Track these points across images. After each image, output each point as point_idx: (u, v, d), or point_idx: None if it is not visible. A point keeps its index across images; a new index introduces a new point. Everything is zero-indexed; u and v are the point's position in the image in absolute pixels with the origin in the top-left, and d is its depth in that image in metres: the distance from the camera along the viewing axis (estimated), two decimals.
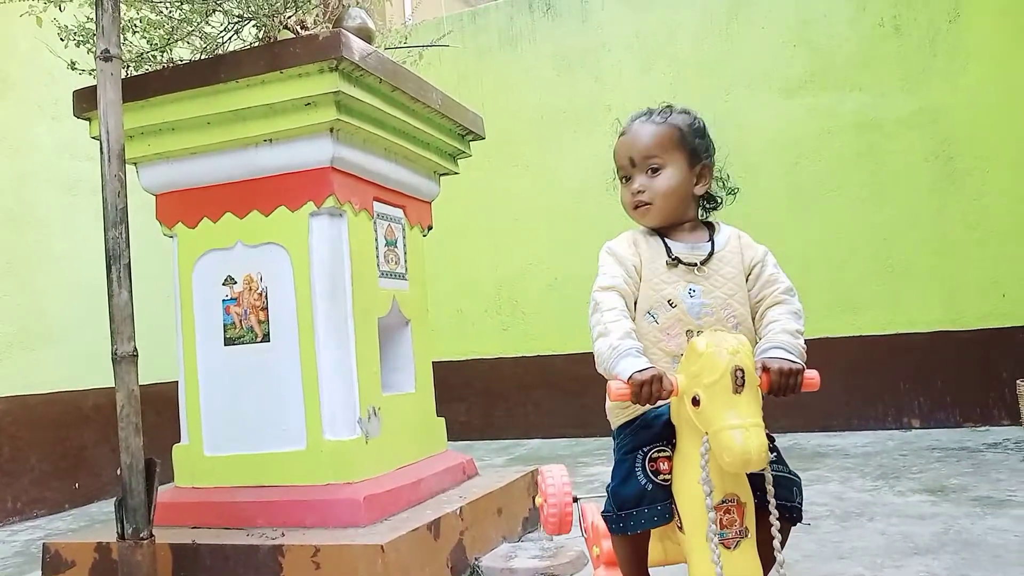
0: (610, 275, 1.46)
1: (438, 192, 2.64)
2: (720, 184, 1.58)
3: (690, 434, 1.28)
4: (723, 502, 1.26)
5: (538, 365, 4.64)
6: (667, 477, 1.35)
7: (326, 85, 1.95)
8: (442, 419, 2.55)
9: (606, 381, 1.42)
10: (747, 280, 1.49)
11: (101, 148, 1.79)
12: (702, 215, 1.57)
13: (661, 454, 1.38)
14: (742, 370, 1.20)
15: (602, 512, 1.45)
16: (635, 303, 1.46)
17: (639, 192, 1.48)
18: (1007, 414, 3.80)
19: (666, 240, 1.49)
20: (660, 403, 1.38)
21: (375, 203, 2.27)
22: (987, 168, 3.96)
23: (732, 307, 1.45)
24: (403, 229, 2.43)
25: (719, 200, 1.58)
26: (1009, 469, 2.89)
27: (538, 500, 1.80)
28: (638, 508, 1.35)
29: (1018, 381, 2.92)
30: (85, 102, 2.15)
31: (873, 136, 4.14)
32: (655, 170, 1.49)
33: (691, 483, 1.27)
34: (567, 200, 4.67)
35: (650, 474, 1.36)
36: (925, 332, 4.00)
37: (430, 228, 2.60)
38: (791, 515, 1.37)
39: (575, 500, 1.77)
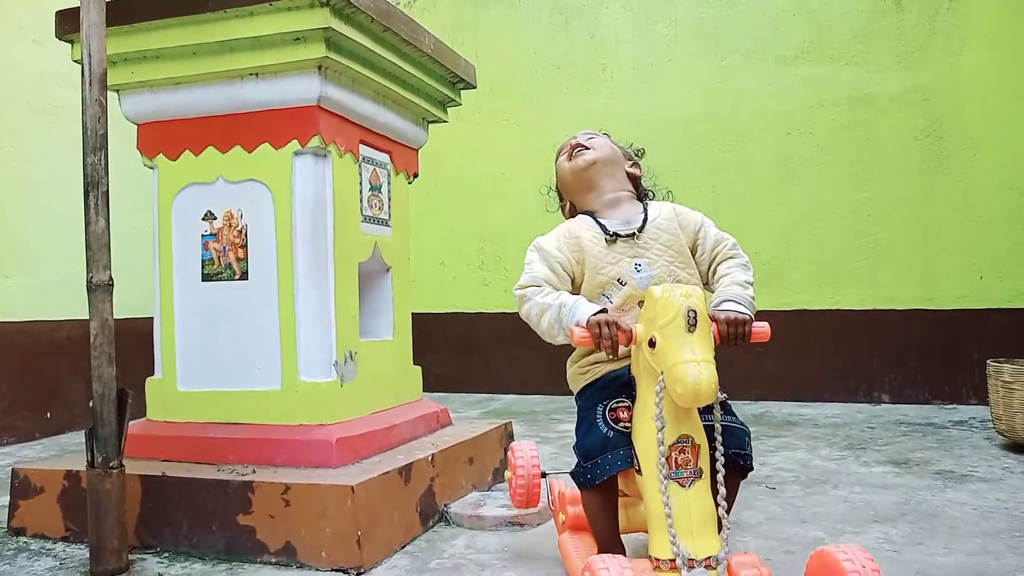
0: (529, 275, 1.56)
1: (426, 139, 2.61)
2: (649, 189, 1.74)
3: (648, 381, 1.35)
4: (677, 442, 1.32)
5: (517, 322, 4.58)
6: (627, 425, 1.42)
7: (315, 20, 1.90)
8: (418, 367, 2.55)
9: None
10: (694, 246, 1.59)
11: (82, 71, 1.75)
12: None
13: (620, 404, 1.45)
14: (694, 311, 1.28)
15: (571, 472, 1.51)
16: (577, 290, 1.56)
17: (578, 144, 1.68)
18: (975, 393, 3.87)
19: (599, 220, 1.58)
20: (621, 361, 1.49)
21: (361, 146, 2.24)
22: (976, 150, 3.97)
23: (676, 274, 1.56)
24: (388, 175, 2.40)
25: (651, 195, 1.71)
26: (972, 446, 2.95)
27: (507, 474, 1.85)
28: (602, 455, 1.41)
29: (988, 361, 2.96)
30: (68, 23, 2.09)
31: (865, 112, 4.13)
32: (592, 139, 1.70)
33: (648, 425, 1.34)
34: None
35: (610, 422, 1.44)
36: (901, 310, 4.05)
37: (416, 176, 2.57)
38: (743, 462, 1.45)
39: (543, 475, 1.81)
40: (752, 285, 1.54)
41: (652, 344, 1.31)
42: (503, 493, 2.26)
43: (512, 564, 1.77)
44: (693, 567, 1.27)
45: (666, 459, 1.31)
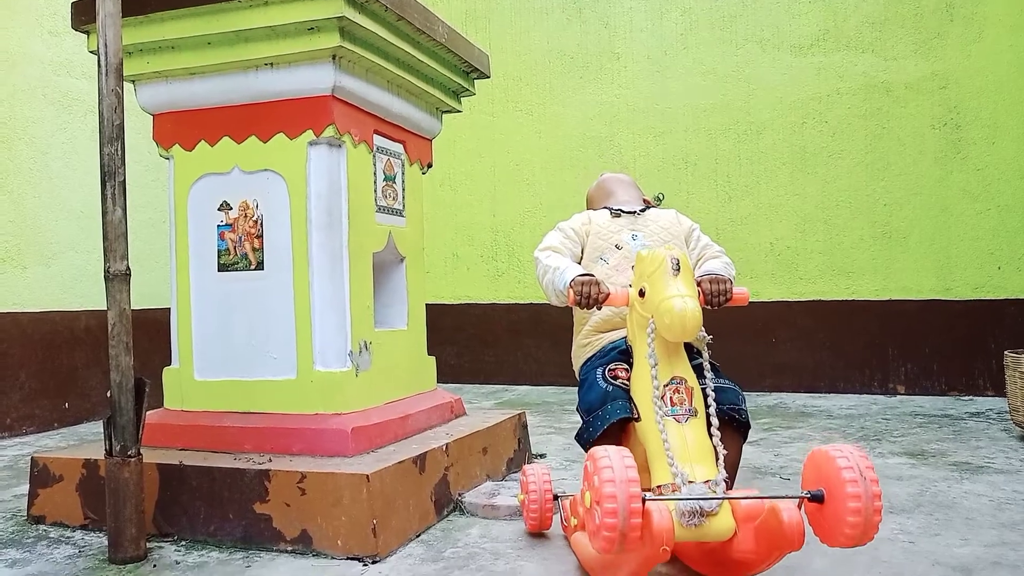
0: (546, 241, 1.77)
1: (440, 129, 2.60)
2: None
3: (642, 336, 1.46)
4: (671, 382, 1.43)
5: (530, 313, 4.65)
6: (625, 382, 1.55)
7: (330, 10, 1.90)
8: (432, 358, 2.56)
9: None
10: (686, 242, 1.80)
11: (99, 62, 1.76)
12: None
13: (619, 366, 1.60)
14: (677, 259, 1.42)
15: (575, 434, 1.62)
16: (581, 255, 1.78)
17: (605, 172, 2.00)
18: (991, 385, 3.84)
19: (609, 207, 1.84)
20: (618, 332, 1.68)
21: (375, 136, 2.24)
22: (994, 139, 3.92)
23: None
24: (402, 165, 2.40)
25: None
26: (989, 438, 2.93)
27: (520, 496, 1.85)
28: (603, 407, 1.54)
29: (1006, 352, 2.94)
30: (84, 14, 2.10)
31: (881, 100, 4.09)
32: None
33: (643, 371, 1.45)
34: (569, 148, 4.63)
35: (609, 379, 1.58)
36: (917, 300, 4.02)
37: (430, 166, 2.57)
38: (740, 416, 1.55)
39: (555, 497, 1.81)
40: (732, 275, 1.71)
41: (642, 294, 1.45)
42: (517, 482, 2.26)
43: (526, 553, 1.77)
44: (692, 485, 1.33)
45: (661, 397, 1.40)
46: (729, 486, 1.43)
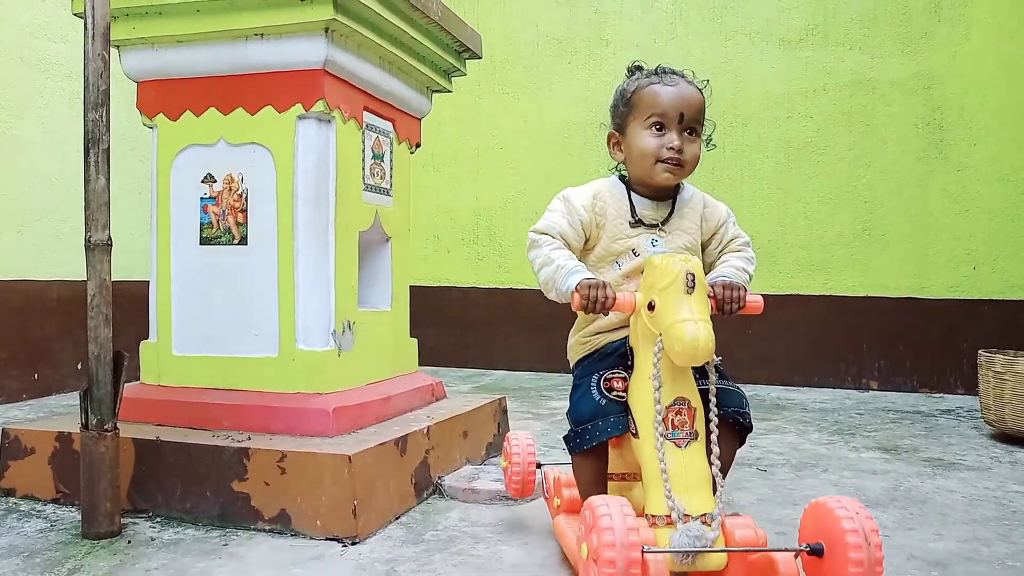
0: (547, 221, 1.54)
1: (429, 109, 2.57)
2: None
3: (646, 346, 1.38)
4: (674, 403, 1.36)
5: (510, 298, 4.64)
6: (621, 394, 1.45)
7: None
8: (415, 340, 2.54)
9: (574, 317, 1.63)
10: (711, 239, 1.61)
11: (85, 25, 1.70)
12: None
13: (615, 375, 1.48)
14: (692, 274, 1.32)
15: (564, 436, 1.54)
16: (590, 250, 1.57)
17: (678, 150, 1.49)
18: (962, 383, 3.90)
19: (632, 198, 1.57)
20: (620, 332, 1.53)
21: (365, 113, 2.21)
22: (975, 140, 3.97)
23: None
24: (391, 143, 2.37)
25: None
26: (960, 435, 2.97)
27: (502, 463, 1.85)
28: (593, 422, 1.45)
29: (980, 351, 2.98)
30: None
31: (867, 98, 4.11)
32: (693, 133, 1.52)
33: (645, 387, 1.37)
34: (554, 134, 4.61)
35: (604, 391, 1.46)
36: (894, 297, 4.06)
37: (418, 145, 2.54)
38: (744, 420, 1.48)
39: (538, 465, 1.81)
40: (750, 273, 1.57)
41: (651, 308, 1.35)
42: (496, 467, 2.26)
43: (506, 537, 1.77)
44: (688, 521, 1.29)
45: (663, 419, 1.34)
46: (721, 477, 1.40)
